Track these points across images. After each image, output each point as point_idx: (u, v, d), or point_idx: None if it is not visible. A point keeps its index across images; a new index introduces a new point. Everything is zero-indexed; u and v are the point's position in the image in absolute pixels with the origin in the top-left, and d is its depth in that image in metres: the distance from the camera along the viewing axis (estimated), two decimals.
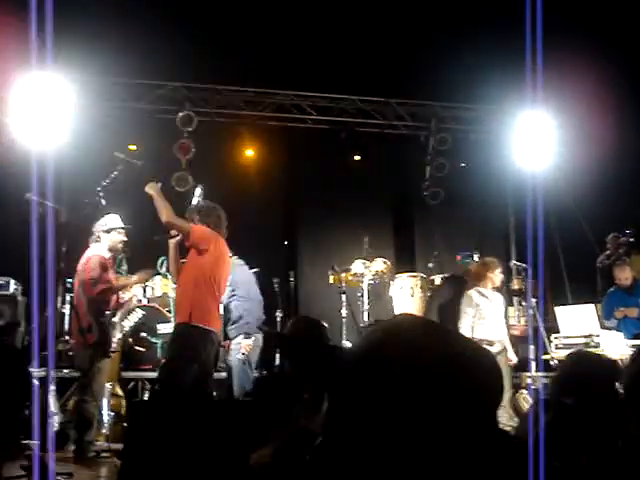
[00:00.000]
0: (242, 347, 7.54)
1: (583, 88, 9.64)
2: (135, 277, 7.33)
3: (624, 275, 8.40)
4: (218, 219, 6.48)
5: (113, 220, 7.18)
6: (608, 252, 9.54)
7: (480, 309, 7.61)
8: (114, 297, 6.99)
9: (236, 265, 7.67)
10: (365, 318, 8.87)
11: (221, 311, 7.34)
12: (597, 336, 7.42)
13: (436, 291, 9.01)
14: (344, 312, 8.80)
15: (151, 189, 6.41)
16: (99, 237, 7.03)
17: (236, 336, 7.64)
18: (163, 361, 6.32)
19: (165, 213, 6.23)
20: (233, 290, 7.66)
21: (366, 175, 10.74)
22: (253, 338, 7.63)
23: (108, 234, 7.06)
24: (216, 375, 8.27)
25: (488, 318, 7.55)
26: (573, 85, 9.71)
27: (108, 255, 7.01)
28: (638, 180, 9.91)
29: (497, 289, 7.91)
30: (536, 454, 1.08)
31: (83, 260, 6.95)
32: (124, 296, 7.40)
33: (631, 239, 9.40)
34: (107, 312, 6.91)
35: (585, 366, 3.07)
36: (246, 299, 7.74)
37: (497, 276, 7.86)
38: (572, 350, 5.15)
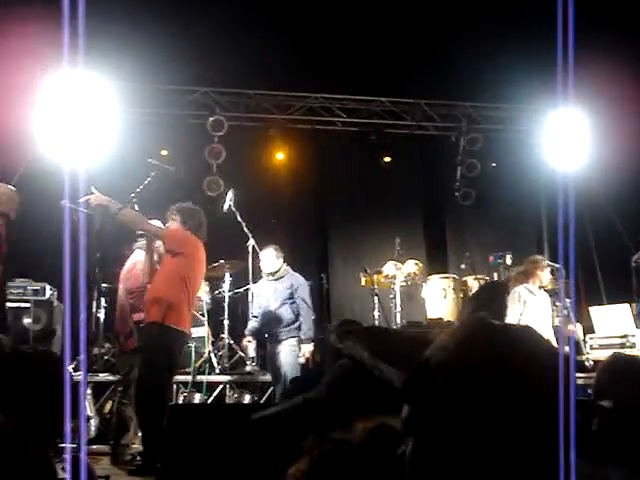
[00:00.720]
0: (303, 354, 7.58)
1: (616, 85, 9.54)
2: None
3: None
4: (199, 223, 6.50)
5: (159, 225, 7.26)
6: None
7: (527, 306, 7.59)
8: None
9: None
10: (397, 320, 8.85)
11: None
12: (632, 336, 7.34)
13: (472, 295, 8.93)
14: (376, 314, 8.80)
15: (98, 200, 6.12)
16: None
17: (286, 339, 7.65)
18: (140, 368, 6.25)
19: (138, 221, 6.28)
20: (291, 294, 7.70)
21: (396, 176, 10.72)
22: (312, 344, 7.67)
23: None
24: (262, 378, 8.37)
25: (535, 316, 7.52)
26: (605, 82, 9.60)
27: None
28: None
29: (544, 288, 7.92)
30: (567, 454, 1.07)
31: (129, 266, 7.06)
32: None
33: None
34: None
35: (621, 369, 3.05)
36: (302, 305, 7.75)
37: (545, 275, 7.86)
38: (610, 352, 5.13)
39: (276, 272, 7.84)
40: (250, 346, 7.92)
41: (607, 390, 2.85)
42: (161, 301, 6.02)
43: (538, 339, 1.18)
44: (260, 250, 8.07)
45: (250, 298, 8.67)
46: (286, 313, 7.70)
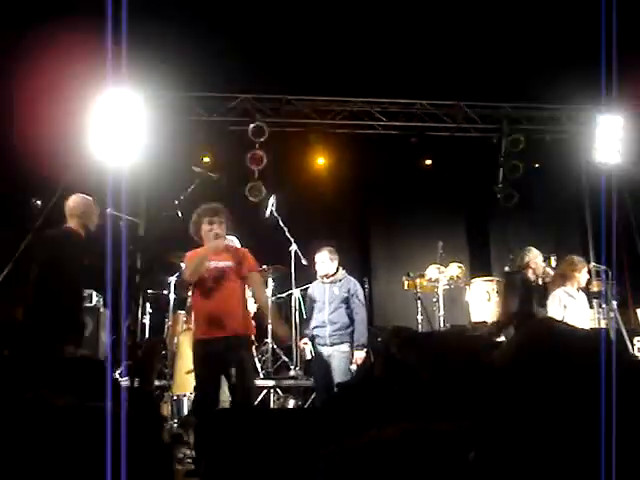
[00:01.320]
0: (356, 360, 7.51)
1: None
2: None
3: None
4: None
5: (236, 243, 7.42)
6: None
7: (568, 310, 7.51)
8: None
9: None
10: (441, 324, 8.81)
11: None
12: None
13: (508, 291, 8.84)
14: (419, 318, 8.78)
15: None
16: None
17: (339, 343, 7.60)
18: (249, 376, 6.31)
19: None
20: (347, 298, 7.67)
21: (438, 179, 10.68)
22: (365, 350, 7.58)
23: None
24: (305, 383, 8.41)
25: (575, 319, 7.42)
26: None
27: None
28: None
29: (582, 289, 7.82)
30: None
31: None
32: None
33: None
34: None
35: None
36: (358, 310, 7.69)
37: (583, 276, 7.76)
38: None
39: (332, 275, 7.77)
40: (307, 348, 7.86)
41: None
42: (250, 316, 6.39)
43: (599, 341, 1.18)
44: (316, 252, 7.98)
45: (293, 303, 8.71)
46: (340, 317, 7.59)
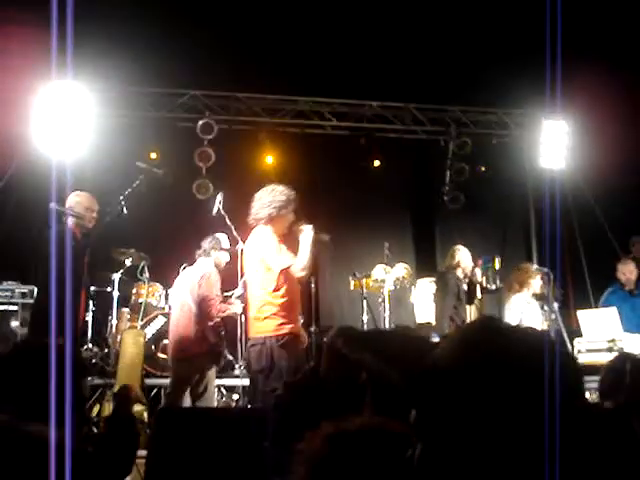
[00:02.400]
0: None
1: (605, 92, 9.59)
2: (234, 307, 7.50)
3: (628, 269, 8.29)
4: None
5: (225, 241, 7.52)
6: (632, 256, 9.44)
7: (524, 316, 7.63)
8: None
9: None
10: (386, 324, 8.85)
11: None
12: (620, 340, 7.36)
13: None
14: (365, 318, 8.80)
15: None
16: (209, 253, 7.35)
17: None
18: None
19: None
20: None
21: (386, 180, 10.72)
22: None
23: (218, 252, 7.40)
24: None
25: (532, 324, 7.51)
26: (595, 89, 9.66)
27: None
28: None
29: (536, 295, 7.96)
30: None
31: (198, 274, 7.17)
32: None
33: None
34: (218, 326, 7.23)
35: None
36: None
37: (537, 281, 7.90)
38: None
39: None
40: None
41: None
42: None
43: (541, 341, 1.19)
44: None
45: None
46: None
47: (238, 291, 7.57)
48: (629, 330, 7.54)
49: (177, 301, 7.41)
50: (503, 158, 10.93)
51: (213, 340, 7.02)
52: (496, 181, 10.86)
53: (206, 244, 7.41)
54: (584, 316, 8.04)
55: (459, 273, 8.32)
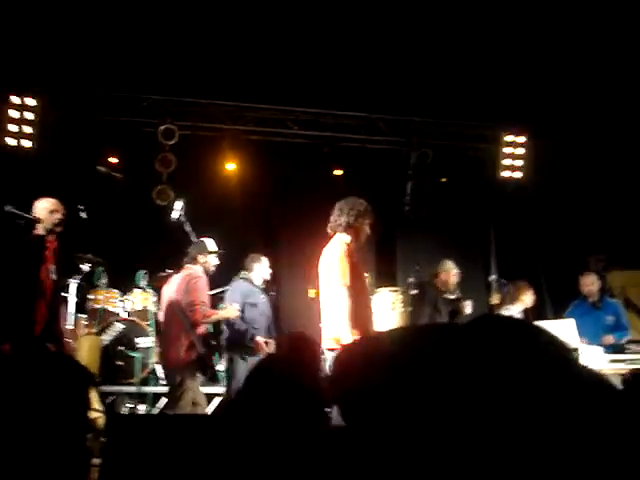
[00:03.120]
0: None
1: (563, 107, 9.76)
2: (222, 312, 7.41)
3: (589, 280, 8.43)
4: None
5: (212, 244, 7.38)
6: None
7: None
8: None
9: None
10: None
11: None
12: (575, 350, 7.44)
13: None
14: None
15: None
16: (196, 259, 7.17)
17: None
18: None
19: None
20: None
21: (347, 190, 10.69)
22: None
23: (206, 257, 7.24)
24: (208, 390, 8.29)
25: None
26: (554, 104, 9.82)
27: None
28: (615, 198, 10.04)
29: (526, 311, 8.12)
30: None
31: (184, 281, 6.95)
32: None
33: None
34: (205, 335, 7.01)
35: None
36: None
37: (529, 297, 8.08)
38: None
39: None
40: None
41: None
42: None
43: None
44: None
45: None
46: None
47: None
48: (591, 342, 7.63)
49: (165, 309, 7.21)
50: (463, 170, 11.04)
51: (201, 350, 6.82)
52: (456, 192, 10.96)
53: (192, 250, 7.27)
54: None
55: (439, 285, 8.42)
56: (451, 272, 8.49)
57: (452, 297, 8.25)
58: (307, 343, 4.67)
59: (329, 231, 6.04)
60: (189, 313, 6.79)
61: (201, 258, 7.19)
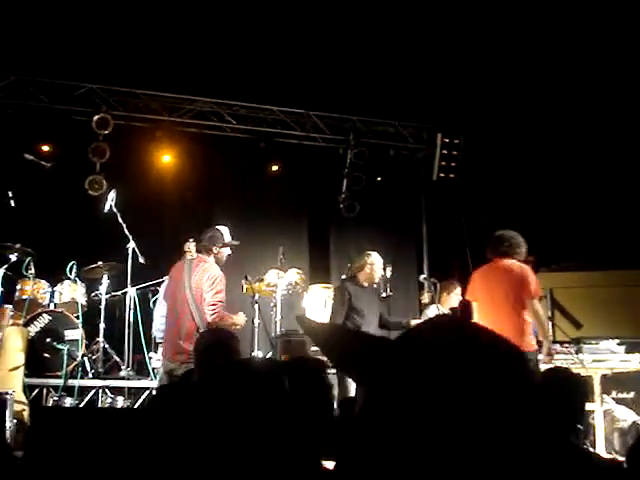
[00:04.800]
0: None
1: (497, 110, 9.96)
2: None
3: None
4: None
5: (227, 233, 6.98)
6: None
7: None
8: None
9: None
10: (277, 328, 8.87)
11: None
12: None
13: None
14: (257, 322, 8.77)
15: None
16: (210, 249, 6.76)
17: None
18: None
19: None
20: None
21: (283, 185, 10.77)
22: None
23: (221, 248, 6.83)
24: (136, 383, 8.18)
25: None
26: (488, 107, 10.01)
27: None
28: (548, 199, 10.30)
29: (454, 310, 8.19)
30: None
31: (205, 275, 6.57)
32: None
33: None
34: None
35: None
36: None
37: (457, 296, 8.17)
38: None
39: None
40: None
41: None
42: None
43: None
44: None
45: (128, 301, 8.53)
46: None
47: None
48: None
49: (175, 302, 6.74)
50: (399, 169, 11.17)
51: None
52: (391, 191, 11.09)
53: (206, 239, 6.81)
54: None
55: (361, 278, 7.85)
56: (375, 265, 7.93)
57: (383, 295, 8.13)
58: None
59: (506, 258, 6.88)
60: (207, 312, 6.48)
61: (215, 249, 6.79)
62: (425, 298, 8.58)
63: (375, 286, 7.94)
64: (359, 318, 7.49)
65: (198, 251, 6.88)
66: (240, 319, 6.99)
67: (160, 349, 7.35)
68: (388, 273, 8.39)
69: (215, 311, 6.48)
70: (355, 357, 1.37)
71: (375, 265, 7.77)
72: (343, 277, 8.37)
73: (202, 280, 6.54)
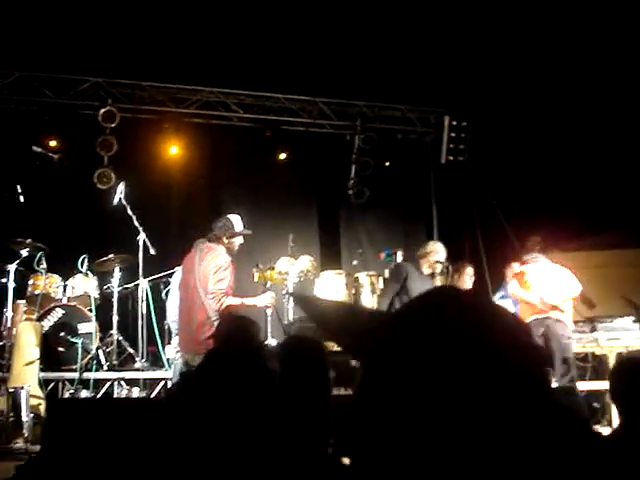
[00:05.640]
0: None
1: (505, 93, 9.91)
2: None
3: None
4: None
5: (238, 222, 6.82)
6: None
7: None
8: None
9: None
10: (290, 316, 8.86)
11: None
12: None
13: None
14: (269, 310, 8.75)
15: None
16: (220, 238, 6.64)
17: None
18: None
19: None
20: None
21: (291, 173, 10.74)
22: None
23: (232, 237, 6.71)
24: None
25: None
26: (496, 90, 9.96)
27: None
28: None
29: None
30: None
31: (212, 264, 6.46)
32: None
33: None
34: None
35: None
36: None
37: (469, 276, 8.07)
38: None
39: None
40: None
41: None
42: None
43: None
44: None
45: (140, 293, 8.54)
46: None
47: None
48: None
49: (187, 291, 6.66)
50: (407, 154, 11.13)
51: None
52: (400, 176, 11.05)
53: (217, 228, 6.70)
54: None
55: (424, 265, 7.79)
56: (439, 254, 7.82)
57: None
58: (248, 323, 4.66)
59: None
60: (215, 299, 6.39)
61: (225, 239, 6.69)
62: (438, 281, 8.53)
63: (433, 280, 7.87)
64: (408, 300, 7.44)
65: (209, 240, 6.72)
66: (262, 300, 6.95)
67: (175, 339, 7.34)
68: (399, 258, 8.37)
69: (216, 300, 6.35)
70: (350, 331, 1.35)
71: (438, 254, 7.70)
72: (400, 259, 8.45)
73: (207, 269, 6.47)
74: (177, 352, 7.08)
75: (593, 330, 7.69)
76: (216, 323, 6.14)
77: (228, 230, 6.71)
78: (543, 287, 7.72)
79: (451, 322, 1.09)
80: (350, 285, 9.02)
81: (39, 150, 6.80)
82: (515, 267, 8.48)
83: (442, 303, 1.14)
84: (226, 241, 6.68)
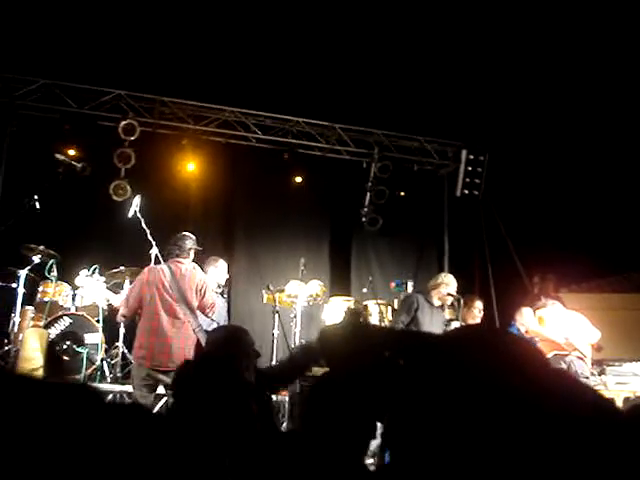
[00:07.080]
0: None
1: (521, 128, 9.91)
2: None
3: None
4: None
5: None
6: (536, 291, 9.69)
7: None
8: None
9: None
10: (296, 339, 8.83)
11: None
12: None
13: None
14: (276, 332, 8.75)
15: None
16: (189, 253, 6.77)
17: None
18: None
19: None
20: None
21: (306, 197, 10.75)
22: None
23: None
24: None
25: None
26: (512, 124, 9.97)
27: None
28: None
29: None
30: None
31: (195, 279, 6.56)
32: None
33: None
34: None
35: None
36: None
37: (478, 310, 8.00)
38: None
39: None
40: None
41: None
42: None
43: None
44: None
45: None
46: None
47: None
48: None
49: (166, 306, 6.49)
50: (422, 184, 11.14)
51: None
52: (414, 206, 11.06)
53: (186, 243, 6.76)
54: None
55: (434, 296, 7.73)
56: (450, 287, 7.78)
57: (447, 318, 7.99)
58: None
59: None
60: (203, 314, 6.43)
61: (192, 254, 6.73)
62: (449, 314, 8.48)
63: (442, 312, 7.85)
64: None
65: (176, 255, 6.81)
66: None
67: None
68: (410, 288, 8.34)
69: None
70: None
71: (450, 287, 7.66)
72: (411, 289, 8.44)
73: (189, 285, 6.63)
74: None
75: (602, 373, 7.63)
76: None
77: (194, 245, 6.87)
78: (564, 330, 7.73)
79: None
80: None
81: (62, 158, 6.81)
82: (524, 311, 8.39)
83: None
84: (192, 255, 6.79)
